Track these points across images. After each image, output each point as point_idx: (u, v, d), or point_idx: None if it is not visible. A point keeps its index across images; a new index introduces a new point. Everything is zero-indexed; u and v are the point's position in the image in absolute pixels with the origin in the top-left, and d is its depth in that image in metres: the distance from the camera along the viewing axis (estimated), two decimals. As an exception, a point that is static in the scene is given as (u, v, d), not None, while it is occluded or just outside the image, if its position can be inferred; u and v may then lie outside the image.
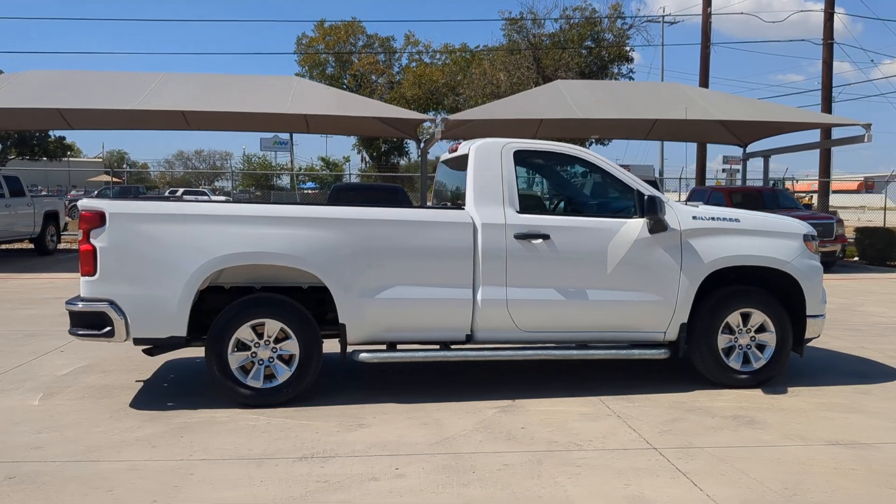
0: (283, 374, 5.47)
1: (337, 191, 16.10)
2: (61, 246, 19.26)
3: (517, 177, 5.90)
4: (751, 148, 21.30)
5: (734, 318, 6.03)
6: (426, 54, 46.13)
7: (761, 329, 6.08)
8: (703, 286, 5.96)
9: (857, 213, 41.58)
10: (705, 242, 5.94)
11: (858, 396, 5.91)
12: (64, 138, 50.04)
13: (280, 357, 5.48)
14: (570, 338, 5.96)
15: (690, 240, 5.92)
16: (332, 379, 6.20)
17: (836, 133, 21.93)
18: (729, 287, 6.09)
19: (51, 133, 46.21)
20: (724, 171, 55.64)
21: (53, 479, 4.08)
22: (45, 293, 11.39)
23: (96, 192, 42.20)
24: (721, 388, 6.00)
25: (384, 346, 5.89)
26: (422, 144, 19.00)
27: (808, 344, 6.50)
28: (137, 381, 6.21)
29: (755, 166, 52.81)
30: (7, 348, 7.43)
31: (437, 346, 5.93)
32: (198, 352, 6.08)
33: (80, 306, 5.32)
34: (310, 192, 50.96)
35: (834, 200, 30.59)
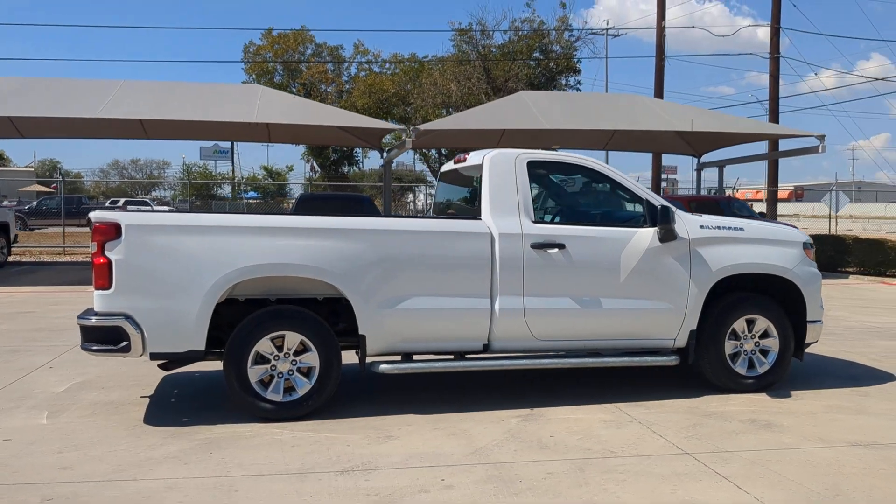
0: (304, 386, 5.39)
1: (303, 200, 15.97)
2: (12, 258, 18.57)
3: (531, 187, 5.97)
4: (704, 158, 21.86)
5: (740, 325, 6.19)
6: (375, 64, 46.13)
7: (765, 335, 6.26)
8: (708, 294, 6.11)
9: (793, 220, 43.05)
10: (713, 251, 6.09)
11: (859, 399, 6.12)
12: (-5, 147, 48.32)
13: (299, 370, 5.40)
14: (583, 346, 6.04)
15: (699, 248, 6.06)
16: (344, 390, 6.13)
17: (789, 144, 22.71)
18: (734, 294, 6.25)
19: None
20: (663, 180, 56.90)
21: (93, 499, 3.94)
22: (7, 308, 10.91)
23: (35, 203, 41.02)
24: (727, 392, 6.15)
25: (399, 357, 5.87)
26: (384, 154, 18.97)
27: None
28: (142, 396, 6.03)
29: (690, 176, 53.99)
30: (-9, 365, 7.14)
31: (452, 357, 5.95)
32: (197, 366, 5.96)
33: (93, 321, 5.16)
34: (251, 201, 50.23)
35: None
